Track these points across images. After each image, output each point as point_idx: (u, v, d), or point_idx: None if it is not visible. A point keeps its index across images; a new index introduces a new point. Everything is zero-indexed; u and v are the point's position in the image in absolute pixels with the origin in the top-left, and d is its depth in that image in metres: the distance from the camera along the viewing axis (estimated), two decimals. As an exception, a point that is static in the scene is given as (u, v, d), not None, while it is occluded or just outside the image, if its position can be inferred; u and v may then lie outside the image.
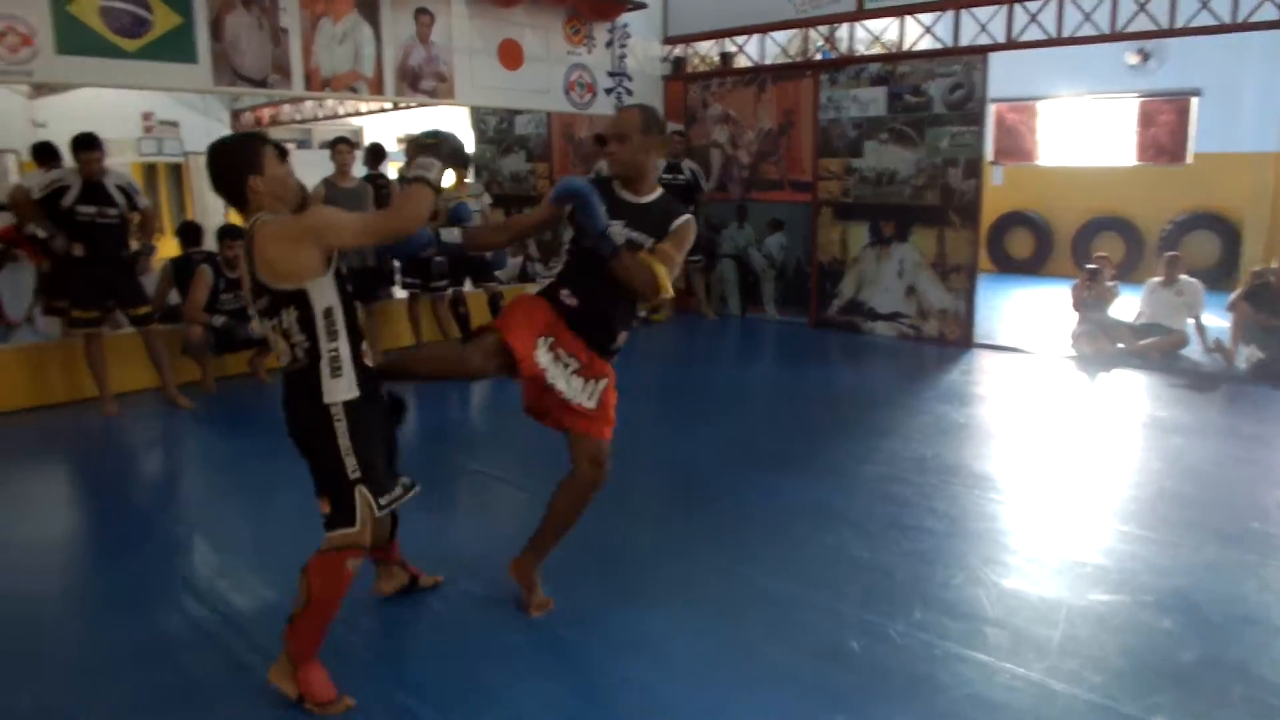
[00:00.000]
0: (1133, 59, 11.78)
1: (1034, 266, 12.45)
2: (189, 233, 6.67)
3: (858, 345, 7.87)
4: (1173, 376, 6.59)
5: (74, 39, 5.51)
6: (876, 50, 8.29)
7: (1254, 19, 6.20)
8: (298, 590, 2.53)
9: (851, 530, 3.77)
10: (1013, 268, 12.57)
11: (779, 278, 8.86)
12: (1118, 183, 12.04)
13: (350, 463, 2.51)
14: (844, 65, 8.06)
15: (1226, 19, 6.31)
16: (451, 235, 3.03)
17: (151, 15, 5.79)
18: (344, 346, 2.53)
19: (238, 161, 2.54)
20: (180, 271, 6.23)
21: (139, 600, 3.28)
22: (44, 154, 7.42)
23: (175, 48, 5.93)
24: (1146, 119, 11.96)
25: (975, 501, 4.17)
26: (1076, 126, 12.68)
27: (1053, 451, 4.92)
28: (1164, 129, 11.86)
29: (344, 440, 2.51)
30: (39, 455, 5.14)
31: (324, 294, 2.50)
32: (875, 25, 8.10)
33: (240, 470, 4.81)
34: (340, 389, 2.51)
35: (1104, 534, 3.76)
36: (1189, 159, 11.51)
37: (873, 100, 7.85)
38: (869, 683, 2.66)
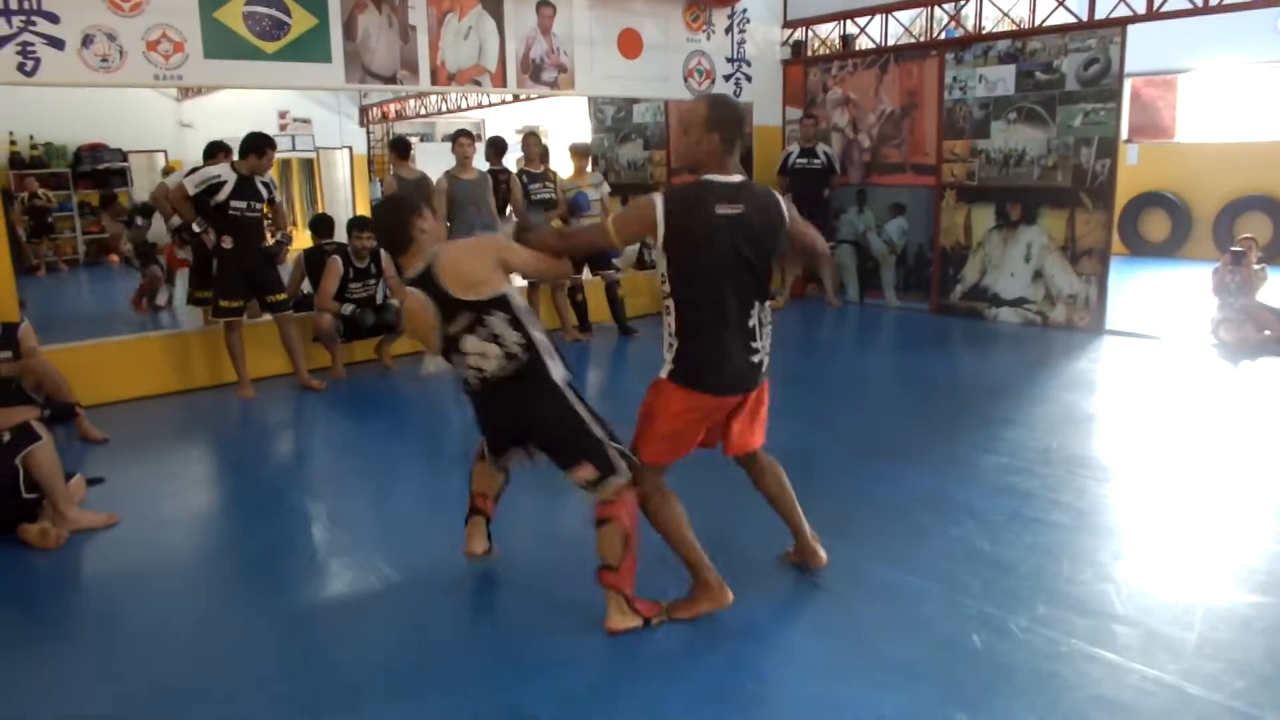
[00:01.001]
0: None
1: (1170, 249, 11.84)
2: (321, 225, 6.99)
3: (981, 332, 7.64)
4: None
5: (220, 43, 5.85)
6: (1005, 27, 7.98)
7: None
8: (603, 545, 2.81)
9: (973, 522, 3.69)
10: (1147, 251, 11.98)
11: (899, 263, 8.67)
12: (1265, 159, 11.24)
13: (595, 427, 2.83)
14: (971, 43, 7.79)
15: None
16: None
17: (290, 18, 6.09)
18: (544, 334, 2.85)
19: (404, 209, 2.86)
20: (312, 262, 6.53)
21: (272, 570, 3.49)
22: (214, 152, 7.89)
23: (311, 48, 6.22)
24: None
25: (1104, 495, 4.01)
26: (1220, 100, 11.93)
27: (1191, 444, 4.67)
28: None
29: (580, 409, 2.83)
30: (185, 434, 5.51)
31: (516, 294, 2.80)
32: (1004, 2, 7.80)
33: (367, 450, 5.04)
34: (559, 369, 2.83)
35: (1251, 532, 3.56)
36: None
37: (1001, 79, 7.58)
38: (991, 679, 2.60)
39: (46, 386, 5.12)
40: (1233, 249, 7.08)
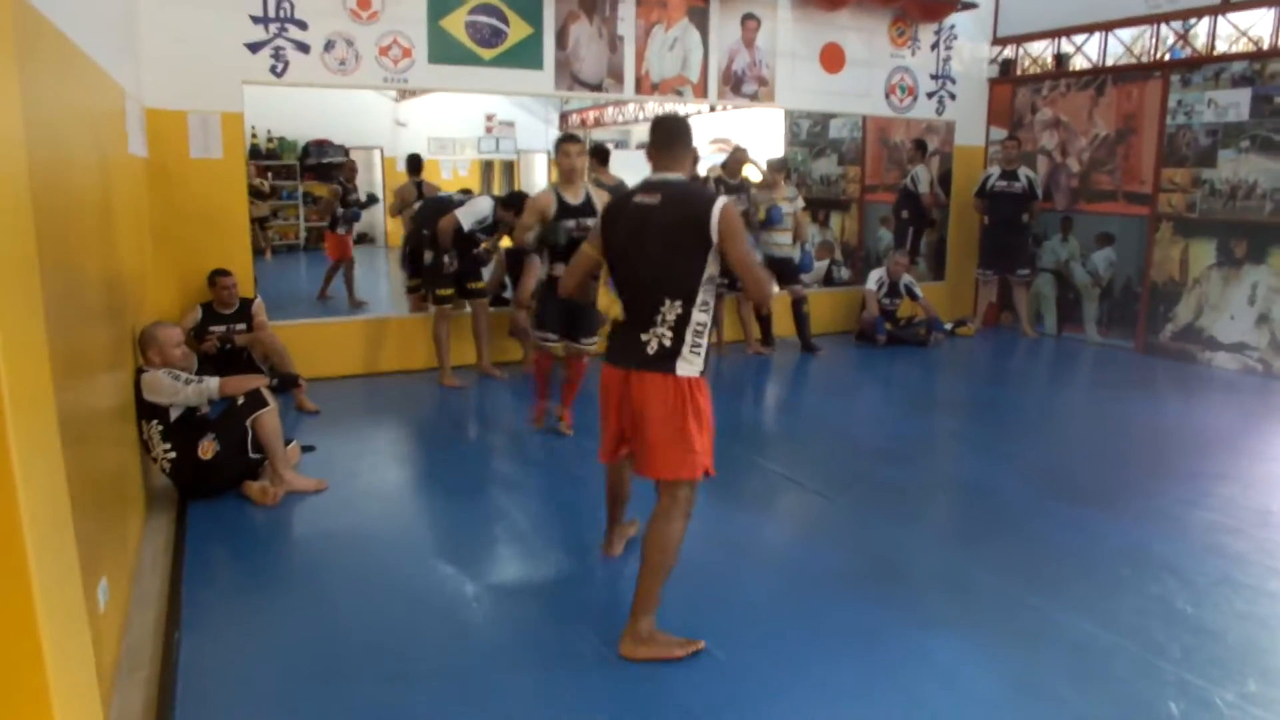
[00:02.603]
0: None
1: None
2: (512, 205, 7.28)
3: (1192, 376, 7.11)
4: None
5: (443, 50, 6.24)
6: (1242, 46, 7.39)
7: None
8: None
9: (1175, 580, 3.45)
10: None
11: (1104, 296, 8.19)
12: None
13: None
14: (1201, 64, 7.27)
15: None
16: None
17: (508, 26, 6.42)
18: None
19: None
20: (514, 260, 6.83)
21: (461, 547, 3.69)
22: (413, 165, 8.59)
23: (525, 55, 6.54)
24: None
25: (1333, 567, 3.67)
26: None
27: None
28: None
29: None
30: (388, 413, 5.90)
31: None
32: (1241, 19, 7.22)
33: (557, 441, 5.22)
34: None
35: None
36: None
37: (1233, 104, 7.03)
38: (1188, 750, 2.44)
39: (273, 357, 5.64)
40: None
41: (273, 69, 5.80)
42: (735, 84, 7.58)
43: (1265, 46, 6.92)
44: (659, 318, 2.74)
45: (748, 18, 7.51)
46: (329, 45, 5.92)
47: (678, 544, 2.82)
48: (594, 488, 3.91)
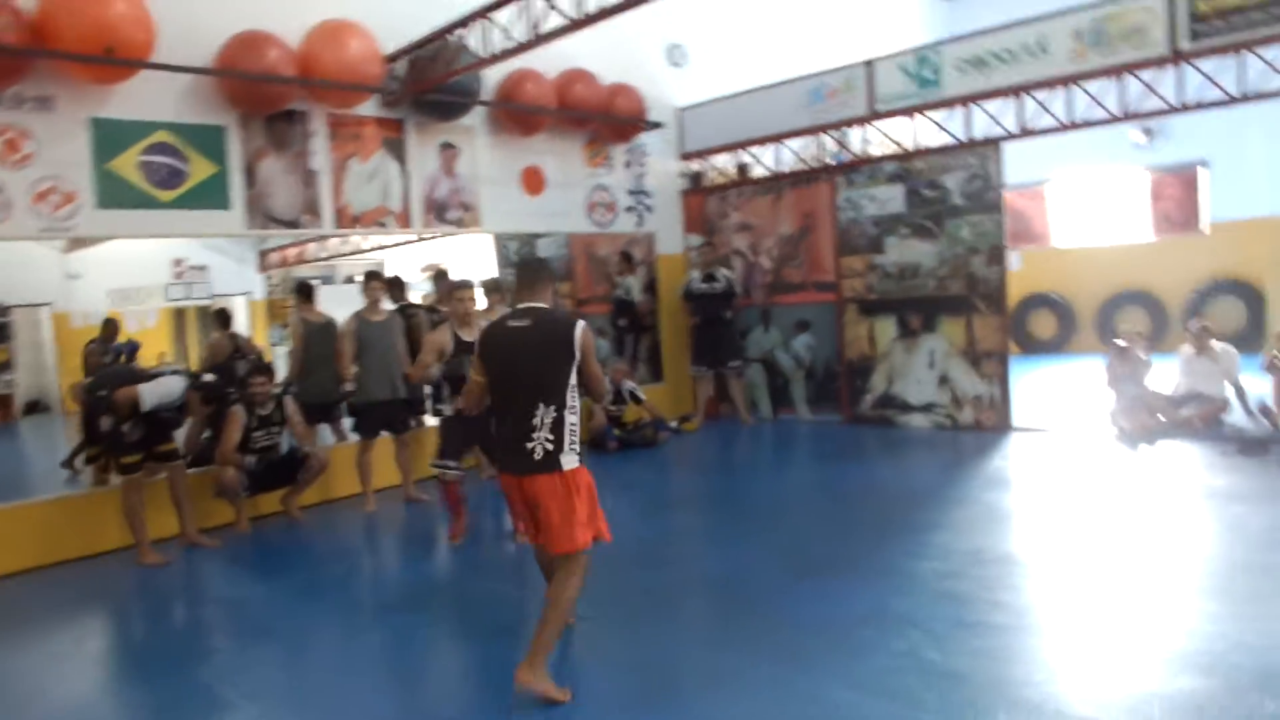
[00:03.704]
0: (1138, 137, 12.00)
1: (1058, 345, 12.68)
2: (222, 373, 6.72)
3: (894, 439, 7.78)
4: (1220, 444, 6.46)
5: (114, 194, 5.73)
6: (890, 149, 8.45)
7: (1257, 91, 6.34)
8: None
9: (918, 632, 3.62)
10: (1037, 348, 12.79)
11: (809, 377, 8.84)
12: (1136, 257, 12.33)
13: None
14: (859, 166, 8.21)
15: (1233, 92, 6.43)
16: None
17: (188, 166, 6.03)
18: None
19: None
20: (212, 414, 6.22)
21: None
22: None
23: (210, 195, 6.15)
24: (1157, 193, 12.22)
25: (1040, 591, 4.03)
26: (1088, 207, 12.93)
27: (1113, 532, 4.76)
28: (1175, 201, 12.10)
29: None
30: (73, 610, 5.09)
31: None
32: (888, 126, 8.28)
33: (277, 611, 4.71)
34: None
35: (1185, 614, 3.61)
36: (1204, 228, 11.68)
37: (890, 198, 7.98)
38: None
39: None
40: (1117, 343, 7.42)
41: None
42: (439, 211, 7.58)
43: (910, 148, 7.95)
44: (537, 422, 3.26)
45: (445, 146, 7.57)
46: (-31, 194, 5.24)
47: (574, 599, 3.45)
48: (334, 662, 3.53)
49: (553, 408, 3.27)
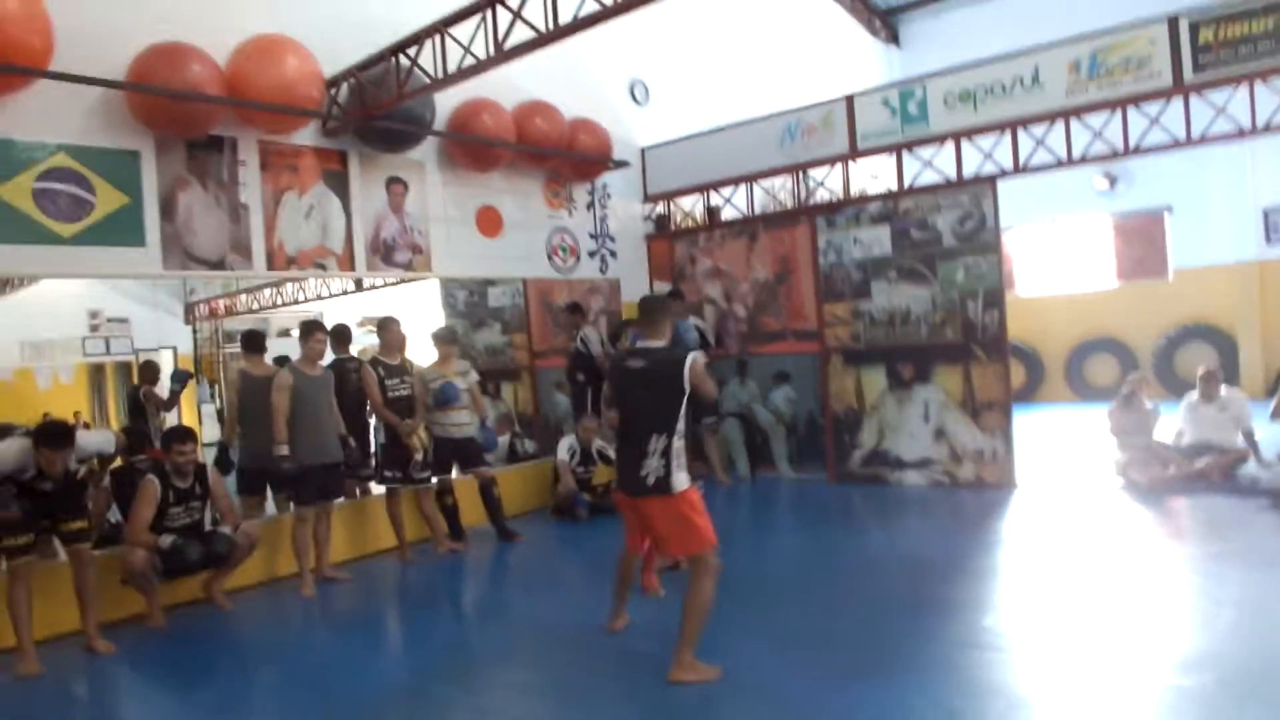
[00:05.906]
0: (1101, 183, 11.85)
1: (1026, 395, 12.32)
2: (133, 437, 5.82)
3: (889, 499, 7.12)
4: (1250, 497, 6.08)
5: (2, 225, 4.85)
6: (875, 189, 7.93)
7: (1211, 133, 6.20)
8: None
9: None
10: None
11: (790, 433, 8.18)
12: (1102, 304, 12.22)
13: None
14: (841, 207, 7.67)
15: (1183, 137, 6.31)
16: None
17: (94, 196, 5.19)
18: None
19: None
20: (122, 484, 5.32)
21: None
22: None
23: (119, 231, 5.33)
24: (1122, 239, 12.18)
25: (1110, 679, 3.34)
26: (1052, 254, 12.83)
27: (1171, 605, 4.12)
28: (1141, 247, 12.07)
29: None
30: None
31: None
32: (870, 163, 7.78)
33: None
34: None
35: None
36: (1170, 275, 11.65)
37: (876, 240, 7.43)
38: None
39: None
40: (1122, 392, 7.04)
41: None
42: (386, 253, 6.81)
43: (895, 188, 7.43)
44: (650, 448, 3.71)
45: (393, 181, 6.83)
46: None
47: (710, 596, 3.73)
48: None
49: (664, 435, 3.71)
